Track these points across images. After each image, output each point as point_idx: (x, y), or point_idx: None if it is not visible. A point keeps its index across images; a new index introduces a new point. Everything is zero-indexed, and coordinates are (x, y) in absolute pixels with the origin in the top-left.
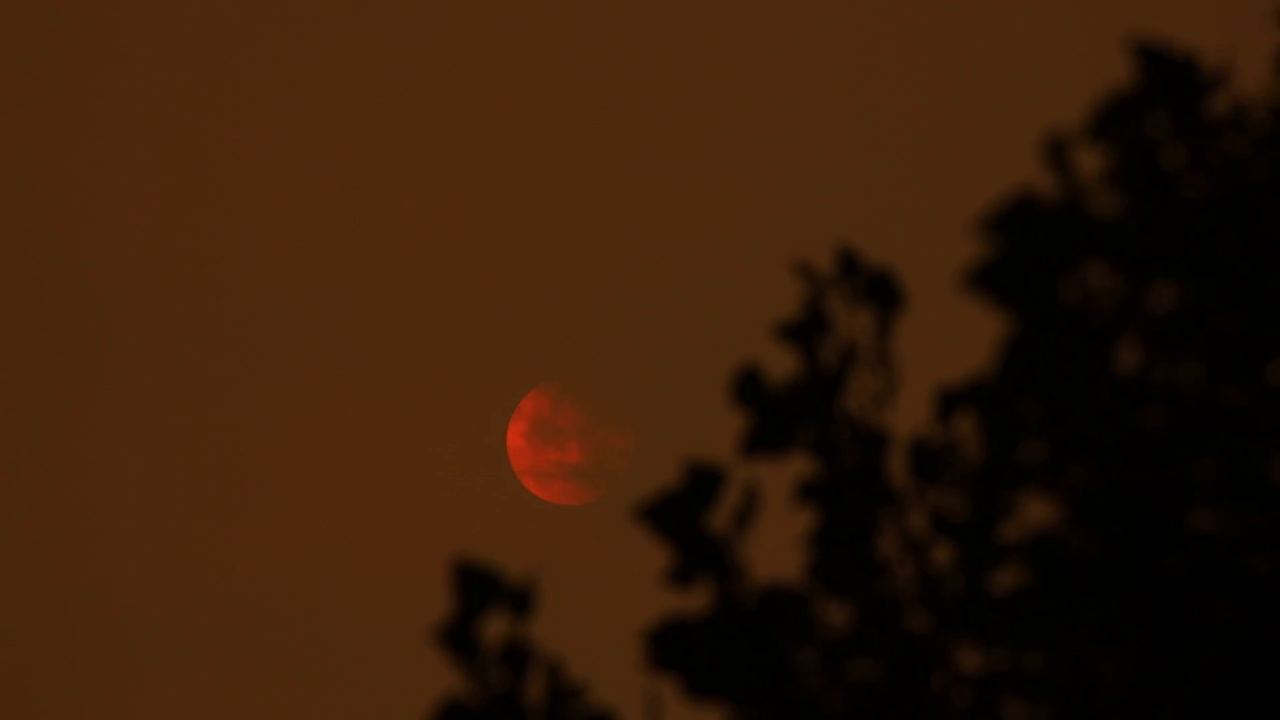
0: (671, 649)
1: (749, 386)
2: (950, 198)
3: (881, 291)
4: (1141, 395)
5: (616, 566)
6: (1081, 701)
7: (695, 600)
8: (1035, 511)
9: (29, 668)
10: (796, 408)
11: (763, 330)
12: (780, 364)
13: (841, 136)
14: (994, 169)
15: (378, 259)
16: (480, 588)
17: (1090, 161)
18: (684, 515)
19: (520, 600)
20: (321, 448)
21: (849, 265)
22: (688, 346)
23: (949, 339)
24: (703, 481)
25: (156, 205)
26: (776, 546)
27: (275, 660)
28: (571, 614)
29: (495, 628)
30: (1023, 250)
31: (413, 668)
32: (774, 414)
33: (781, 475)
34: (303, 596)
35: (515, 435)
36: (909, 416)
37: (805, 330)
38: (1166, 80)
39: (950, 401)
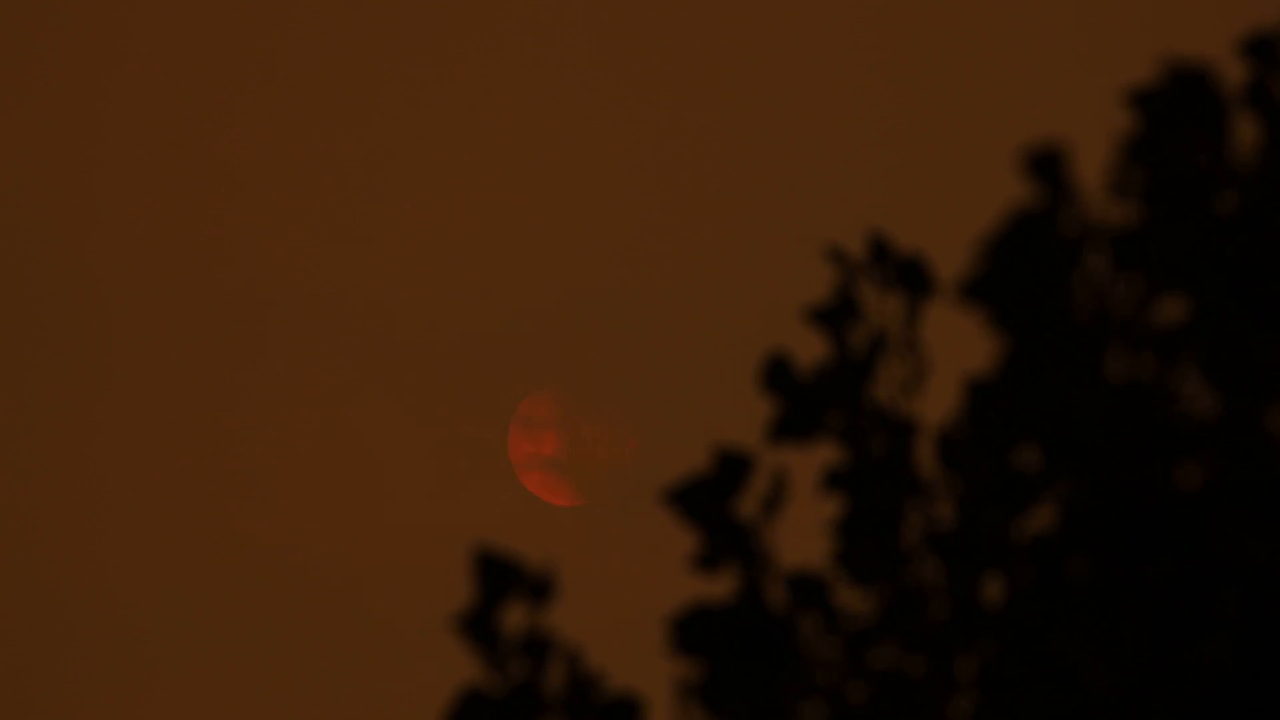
0: (695, 635)
1: (777, 372)
2: (981, 184)
3: (912, 278)
4: (1138, 401)
5: (622, 563)
6: (1075, 705)
7: (719, 586)
8: (1033, 517)
9: (30, 667)
10: (825, 394)
11: (784, 320)
12: (806, 353)
13: (861, 124)
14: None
15: (378, 259)
16: (500, 577)
17: (1089, 167)
18: (712, 500)
19: (540, 589)
20: (320, 446)
21: (880, 251)
22: (692, 345)
23: (979, 328)
24: (731, 467)
25: (160, 205)
26: (802, 534)
27: (287, 658)
28: (579, 610)
29: (515, 617)
30: (1017, 264)
31: (420, 661)
32: (802, 400)
33: (809, 462)
34: (308, 592)
35: (519, 435)
36: (937, 405)
37: (835, 315)
38: (1195, 96)
39: (979, 392)
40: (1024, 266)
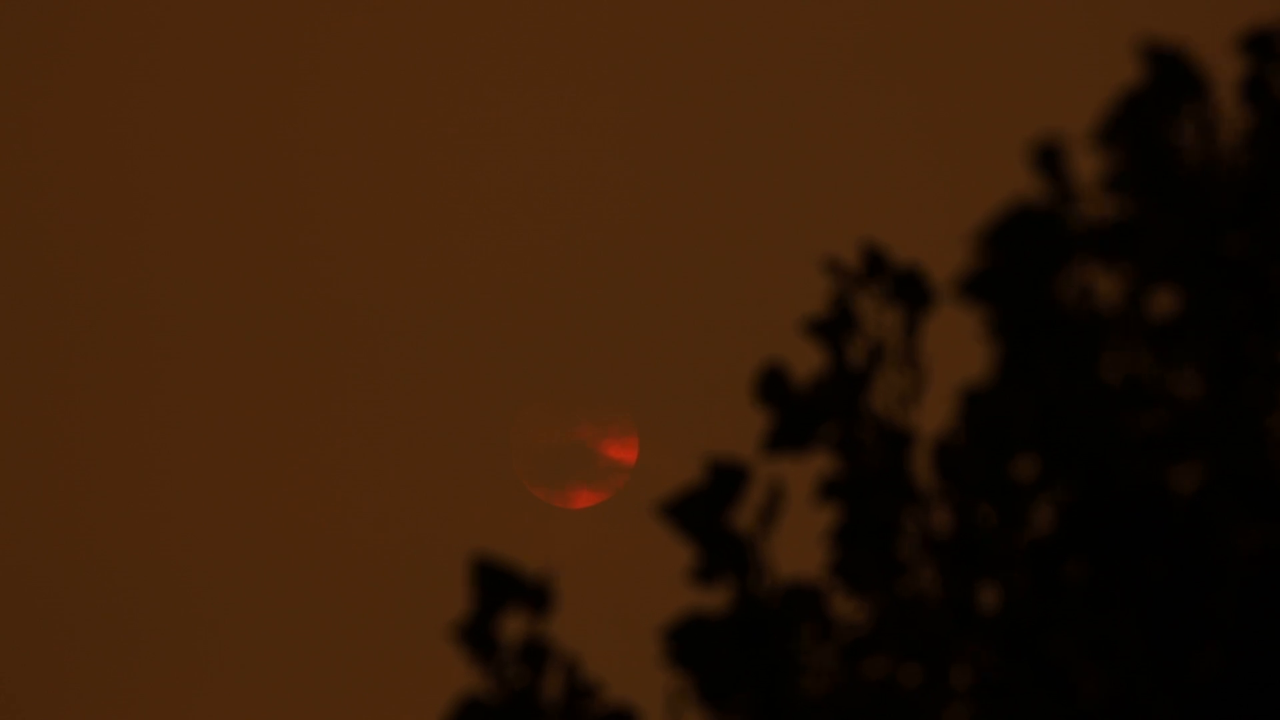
0: (691, 646)
1: (773, 384)
2: (978, 196)
3: (910, 290)
4: (1135, 400)
5: (629, 567)
6: (1072, 709)
7: (716, 597)
8: (1030, 523)
9: (31, 666)
10: (821, 405)
11: (778, 332)
12: (803, 363)
13: (864, 134)
14: (1021, 167)
15: (386, 262)
16: (498, 585)
17: (1087, 165)
18: (707, 513)
19: (538, 598)
20: (329, 449)
21: (877, 263)
22: (698, 349)
23: (975, 336)
24: (726, 479)
25: (179, 208)
26: (798, 544)
27: (291, 661)
28: (583, 614)
29: (513, 625)
30: (1014, 258)
31: (424, 666)
32: (797, 412)
33: (804, 473)
34: (313, 594)
35: (525, 438)
36: (934, 416)
37: (833, 327)
38: (1176, 81)
39: (974, 402)
40: (1021, 260)
